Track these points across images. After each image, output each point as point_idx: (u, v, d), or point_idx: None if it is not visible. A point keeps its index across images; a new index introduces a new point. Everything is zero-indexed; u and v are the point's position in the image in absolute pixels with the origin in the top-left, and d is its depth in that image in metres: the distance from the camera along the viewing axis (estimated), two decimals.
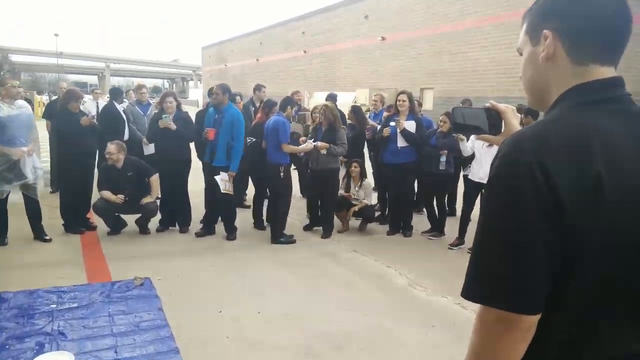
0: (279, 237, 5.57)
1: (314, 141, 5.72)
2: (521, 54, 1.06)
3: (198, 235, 5.69)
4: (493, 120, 1.25)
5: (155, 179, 5.67)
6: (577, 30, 0.94)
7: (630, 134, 0.89)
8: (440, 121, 5.76)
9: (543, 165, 0.83)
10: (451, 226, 6.00)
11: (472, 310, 3.87)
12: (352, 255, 5.24)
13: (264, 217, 6.15)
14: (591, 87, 0.93)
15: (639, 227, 0.86)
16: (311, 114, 6.74)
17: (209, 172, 5.68)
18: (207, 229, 5.77)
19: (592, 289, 0.87)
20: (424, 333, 3.51)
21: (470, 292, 0.91)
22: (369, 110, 7.42)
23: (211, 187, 5.61)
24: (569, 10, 0.95)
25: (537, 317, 0.87)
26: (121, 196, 5.48)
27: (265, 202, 6.11)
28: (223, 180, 5.45)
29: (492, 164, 0.93)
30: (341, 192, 6.10)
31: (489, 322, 0.89)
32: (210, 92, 6.07)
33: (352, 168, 6.01)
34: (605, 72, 0.94)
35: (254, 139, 5.96)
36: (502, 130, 1.25)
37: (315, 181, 5.98)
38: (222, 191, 5.45)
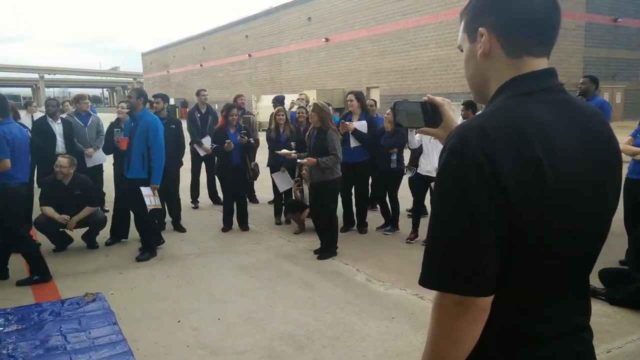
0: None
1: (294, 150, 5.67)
2: (462, 51, 1.10)
3: (107, 244, 5.59)
4: (429, 114, 1.27)
5: (91, 209, 5.35)
6: (509, 25, 0.99)
7: (565, 122, 0.94)
8: (387, 114, 5.86)
9: (487, 155, 0.87)
10: (405, 220, 6.16)
11: (429, 299, 3.98)
12: (309, 255, 5.26)
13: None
14: (526, 78, 0.98)
15: (576, 211, 0.93)
16: (274, 117, 6.46)
17: (121, 184, 5.48)
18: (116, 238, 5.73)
19: (535, 269, 0.93)
20: (384, 325, 3.58)
21: (426, 280, 0.94)
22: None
23: (122, 198, 5.51)
24: (501, 8, 0.99)
25: (491, 298, 0.91)
26: (66, 216, 5.22)
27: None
28: (147, 196, 5.01)
29: (440, 157, 0.96)
30: (296, 193, 6.11)
31: (445, 307, 0.93)
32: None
33: (303, 171, 6.02)
34: (539, 63, 1.00)
35: (215, 145, 6.15)
36: (442, 124, 1.27)
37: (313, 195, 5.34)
38: (150, 207, 5.02)
